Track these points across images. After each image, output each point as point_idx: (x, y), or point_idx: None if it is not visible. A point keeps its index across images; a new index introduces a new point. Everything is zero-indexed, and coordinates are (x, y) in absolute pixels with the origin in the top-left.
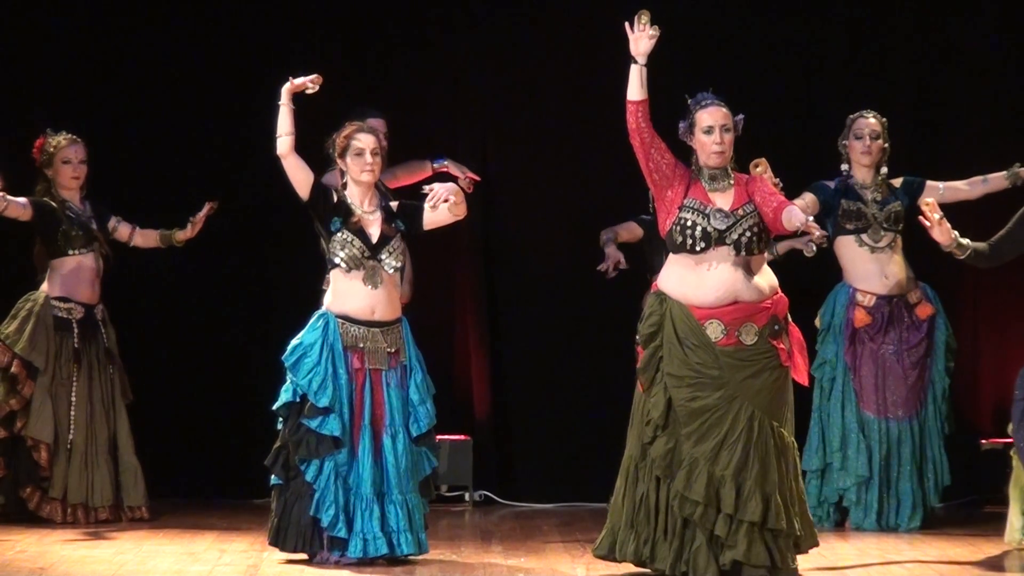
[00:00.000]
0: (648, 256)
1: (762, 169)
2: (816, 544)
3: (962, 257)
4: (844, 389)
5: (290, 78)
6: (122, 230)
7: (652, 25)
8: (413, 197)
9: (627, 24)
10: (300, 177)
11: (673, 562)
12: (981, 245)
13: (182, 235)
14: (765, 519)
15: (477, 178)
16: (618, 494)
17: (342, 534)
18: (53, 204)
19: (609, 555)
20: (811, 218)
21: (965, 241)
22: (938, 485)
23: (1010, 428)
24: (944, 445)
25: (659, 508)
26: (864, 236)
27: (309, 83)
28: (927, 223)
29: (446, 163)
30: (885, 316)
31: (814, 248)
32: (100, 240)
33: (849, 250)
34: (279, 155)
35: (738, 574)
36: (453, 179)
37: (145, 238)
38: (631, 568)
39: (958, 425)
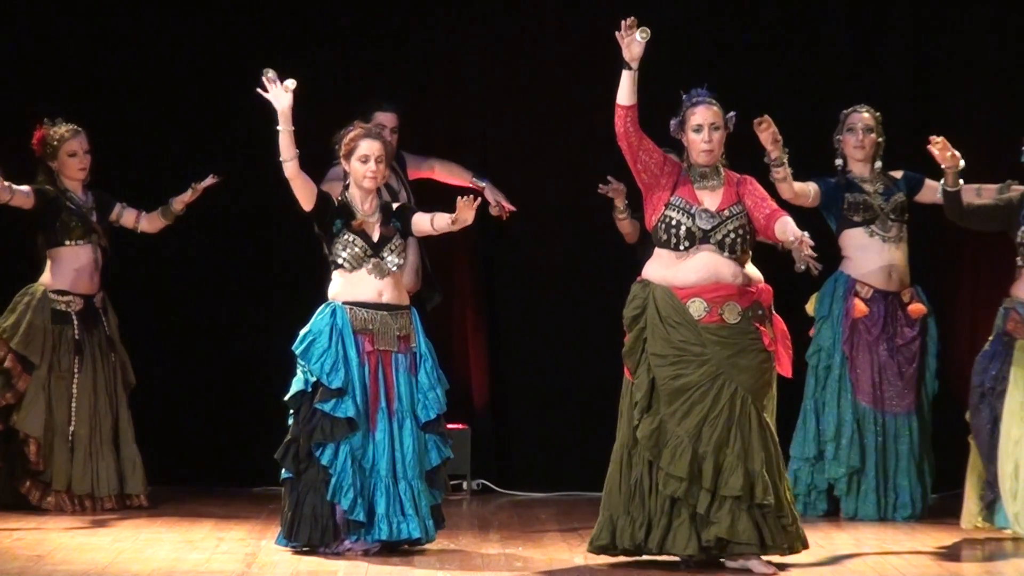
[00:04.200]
0: (640, 253)
1: (766, 126)
2: (806, 547)
3: (950, 189)
4: (841, 378)
5: (259, 90)
6: (127, 217)
7: (640, 28)
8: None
9: (617, 33)
10: (305, 193)
11: (660, 541)
12: (966, 194)
13: (179, 201)
14: (752, 495)
15: (513, 208)
16: (612, 483)
17: (360, 518)
18: (55, 192)
19: (609, 545)
20: (807, 233)
21: (960, 180)
22: (931, 482)
23: (968, 415)
24: (931, 445)
25: (652, 491)
26: (873, 226)
27: (284, 89)
28: (935, 147)
29: (484, 185)
30: (881, 310)
31: (803, 267)
32: (98, 232)
33: (858, 240)
34: (288, 178)
35: (723, 551)
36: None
37: (151, 222)
38: (630, 559)
39: (956, 416)
